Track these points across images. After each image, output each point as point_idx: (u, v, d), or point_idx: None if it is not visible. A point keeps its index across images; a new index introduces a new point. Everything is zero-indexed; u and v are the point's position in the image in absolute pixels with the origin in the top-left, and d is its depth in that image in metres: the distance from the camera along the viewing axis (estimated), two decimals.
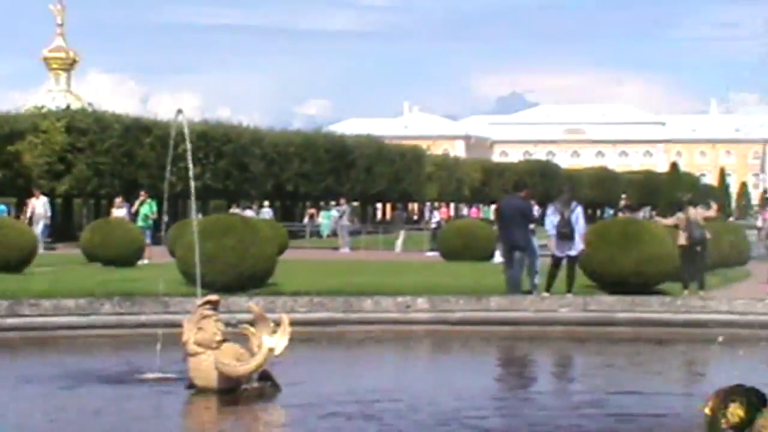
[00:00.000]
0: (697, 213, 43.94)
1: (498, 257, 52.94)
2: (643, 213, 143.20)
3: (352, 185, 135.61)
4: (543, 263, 41.35)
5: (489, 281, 42.08)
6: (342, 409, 20.15)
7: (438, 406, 20.89)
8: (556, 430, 19.30)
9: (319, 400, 21.15)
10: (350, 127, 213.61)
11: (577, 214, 41.61)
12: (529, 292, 38.68)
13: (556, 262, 40.28)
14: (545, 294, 38.09)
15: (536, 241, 41.57)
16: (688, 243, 42.44)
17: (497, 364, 29.80)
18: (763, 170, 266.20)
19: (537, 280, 40.53)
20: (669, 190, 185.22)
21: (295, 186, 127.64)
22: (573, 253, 39.97)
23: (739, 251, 57.58)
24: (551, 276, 40.17)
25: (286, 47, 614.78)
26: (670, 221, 45.32)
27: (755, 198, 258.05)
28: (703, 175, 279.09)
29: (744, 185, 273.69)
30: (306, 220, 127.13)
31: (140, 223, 67.91)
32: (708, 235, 43.40)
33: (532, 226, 40.80)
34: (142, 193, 72.67)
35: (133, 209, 71.74)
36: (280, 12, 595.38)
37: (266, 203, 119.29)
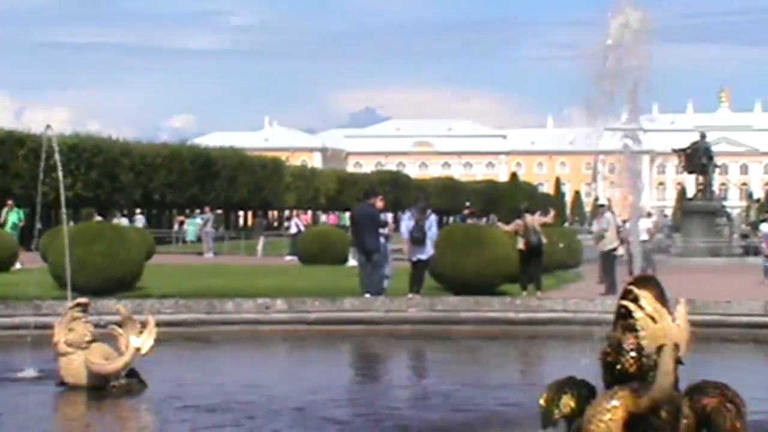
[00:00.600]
0: (534, 220, 44.98)
1: (352, 261, 53.19)
2: (489, 219, 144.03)
3: (216, 194, 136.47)
4: (399, 267, 41.65)
5: (344, 283, 43.12)
6: (203, 402, 20.34)
7: (293, 399, 20.95)
8: (401, 421, 19.23)
9: (182, 394, 21.35)
10: (214, 140, 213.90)
11: (431, 222, 42.13)
12: (380, 294, 38.39)
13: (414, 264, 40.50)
14: (410, 295, 38.19)
15: (390, 246, 41.69)
16: (526, 247, 43.19)
17: (350, 361, 30.21)
18: (594, 179, 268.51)
19: (386, 283, 40.56)
20: (509, 198, 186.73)
21: (162, 195, 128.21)
22: (423, 257, 40.30)
23: (573, 255, 58.12)
24: (412, 277, 40.56)
25: (154, 65, 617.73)
26: (510, 227, 45.92)
27: (588, 205, 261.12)
28: (541, 184, 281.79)
29: (577, 194, 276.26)
30: (176, 227, 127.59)
31: (9, 230, 66.94)
32: (544, 240, 44.07)
33: (386, 231, 40.88)
34: (9, 201, 72.21)
35: (1, 218, 70.95)
36: (148, 32, 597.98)
37: (138, 211, 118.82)
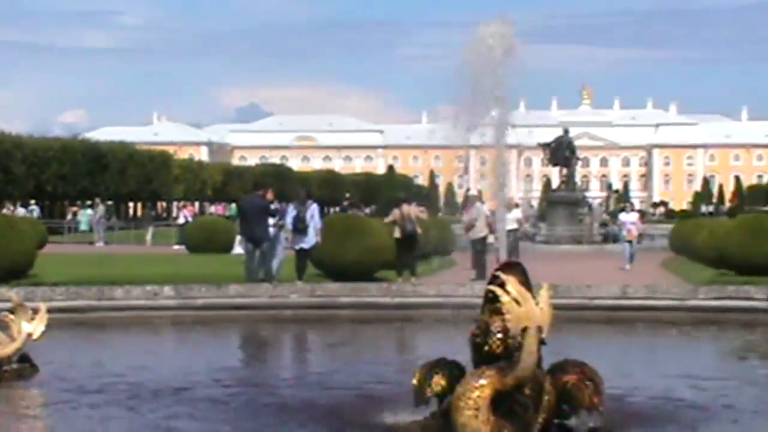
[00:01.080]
0: (410, 210, 44.86)
1: (238, 249, 53.13)
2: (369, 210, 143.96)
3: (107, 186, 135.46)
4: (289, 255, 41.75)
5: (229, 271, 42.60)
6: (91, 383, 20.31)
7: (177, 380, 20.86)
8: (279, 399, 19.20)
9: (71, 376, 21.22)
10: (105, 134, 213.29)
11: (313, 211, 42.14)
12: (264, 281, 38.38)
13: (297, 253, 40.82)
14: (299, 282, 38.34)
15: (283, 235, 41.83)
16: (402, 236, 43.17)
17: (234, 345, 30.01)
18: (466, 172, 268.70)
19: (276, 271, 40.61)
20: (387, 189, 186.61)
21: (54, 187, 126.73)
22: (306, 246, 40.40)
23: (446, 243, 58.21)
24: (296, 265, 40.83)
25: (47, 62, 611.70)
26: (388, 218, 46.01)
27: (459, 196, 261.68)
28: (416, 176, 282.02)
29: (450, 185, 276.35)
30: (69, 216, 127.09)
31: None
32: (419, 230, 44.11)
33: (278, 221, 41.01)
34: None
35: None
36: (41, 30, 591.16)
37: (32, 202, 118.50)
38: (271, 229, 41.03)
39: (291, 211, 41.59)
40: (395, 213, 45.85)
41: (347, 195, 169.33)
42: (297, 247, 40.80)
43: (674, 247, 59.38)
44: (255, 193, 45.30)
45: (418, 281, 40.30)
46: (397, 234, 44.40)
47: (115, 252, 70.15)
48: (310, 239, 41.20)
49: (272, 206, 42.25)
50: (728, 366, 25.27)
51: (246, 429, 16.66)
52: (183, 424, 17.78)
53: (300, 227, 40.83)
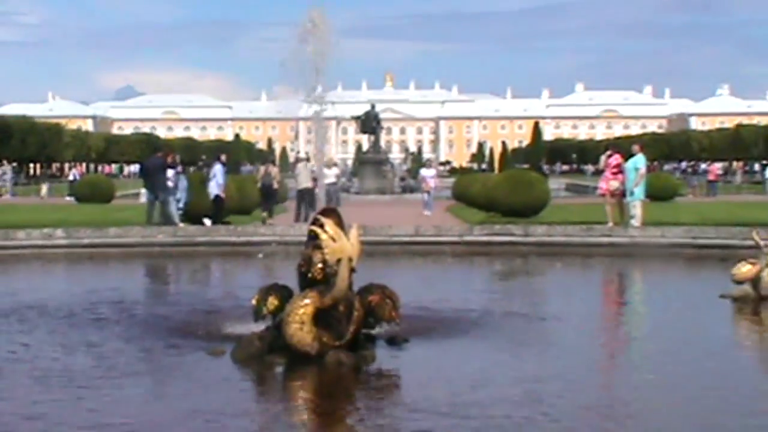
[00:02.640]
0: (271, 168, 46.66)
1: (143, 199, 53.23)
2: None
3: (13, 151, 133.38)
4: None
5: (110, 217, 43.70)
6: None
7: (69, 303, 20.48)
8: (142, 314, 19.21)
9: None
10: (10, 110, 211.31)
11: (215, 171, 43.27)
12: (165, 224, 38.49)
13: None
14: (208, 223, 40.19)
15: (184, 183, 42.82)
16: (262, 187, 44.43)
17: (112, 275, 29.82)
18: (297, 138, 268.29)
19: (172, 216, 40.03)
20: (234, 153, 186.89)
21: None
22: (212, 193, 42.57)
23: (282, 193, 58.49)
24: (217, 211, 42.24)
25: None
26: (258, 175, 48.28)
27: (291, 158, 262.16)
28: (258, 143, 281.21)
29: (284, 149, 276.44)
30: None
31: None
32: (275, 184, 45.01)
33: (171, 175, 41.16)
34: None
35: None
36: None
37: None
38: (170, 183, 40.94)
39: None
40: (260, 169, 49.98)
41: (203, 157, 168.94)
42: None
43: (456, 196, 59.78)
44: (155, 155, 46.60)
45: (271, 221, 41.22)
46: (258, 185, 46.54)
47: (18, 203, 69.88)
48: (212, 190, 42.29)
49: (171, 164, 42.60)
50: (495, 283, 25.75)
51: (118, 337, 16.55)
52: (63, 330, 17.64)
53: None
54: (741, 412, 12.28)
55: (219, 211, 42.26)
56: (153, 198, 41.18)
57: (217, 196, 42.58)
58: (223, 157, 46.36)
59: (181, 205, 41.74)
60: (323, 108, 17.75)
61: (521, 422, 11.28)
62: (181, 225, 38.34)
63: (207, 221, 41.06)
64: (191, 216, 41.29)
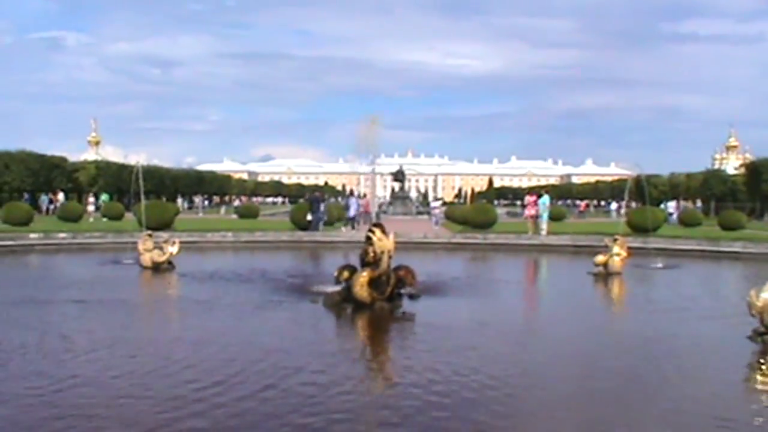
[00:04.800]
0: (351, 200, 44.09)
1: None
2: None
3: (204, 190, 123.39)
4: None
5: (259, 226, 39.34)
6: None
7: (232, 272, 20.15)
8: (276, 281, 18.47)
9: None
10: (204, 167, 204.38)
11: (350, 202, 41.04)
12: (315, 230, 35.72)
13: None
14: None
15: None
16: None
17: (263, 259, 27.48)
18: (358, 184, 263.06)
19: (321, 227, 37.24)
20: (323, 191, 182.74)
21: None
22: None
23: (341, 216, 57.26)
24: None
25: None
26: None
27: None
28: (336, 186, 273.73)
29: (351, 190, 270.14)
30: None
31: None
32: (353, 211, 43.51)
33: None
34: None
35: None
36: None
37: None
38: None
39: None
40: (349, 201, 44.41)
41: (306, 194, 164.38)
42: None
43: (447, 217, 58.70)
44: (315, 193, 41.58)
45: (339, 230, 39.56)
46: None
47: (208, 218, 65.58)
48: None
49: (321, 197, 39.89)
50: (467, 266, 25.66)
51: (261, 290, 16.50)
52: (233, 285, 17.41)
53: None
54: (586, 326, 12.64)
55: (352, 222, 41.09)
56: (313, 215, 37.53)
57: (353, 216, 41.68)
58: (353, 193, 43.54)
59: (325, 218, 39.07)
60: (374, 167, 17.96)
61: (477, 328, 11.70)
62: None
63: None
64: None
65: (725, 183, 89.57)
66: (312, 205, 39.50)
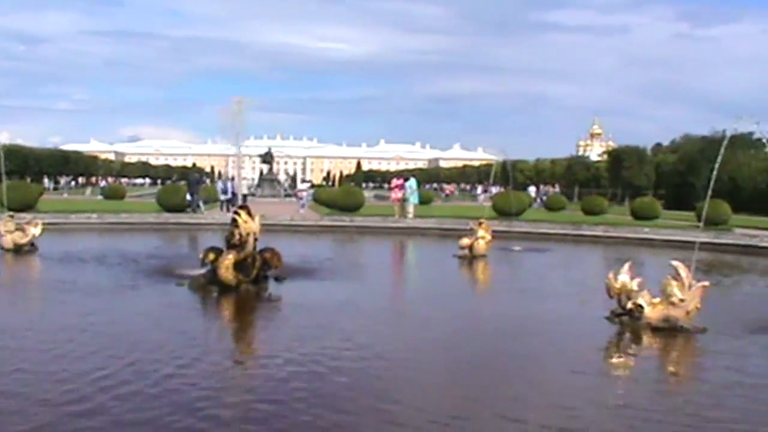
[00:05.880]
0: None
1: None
2: None
3: (70, 171, 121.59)
4: None
5: (125, 207, 39.24)
6: None
7: (98, 253, 19.56)
8: (139, 263, 18.07)
9: None
10: (70, 147, 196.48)
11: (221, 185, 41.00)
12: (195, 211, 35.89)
13: None
14: None
15: None
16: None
17: (127, 241, 26.80)
18: (226, 165, 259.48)
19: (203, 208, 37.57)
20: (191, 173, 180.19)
21: None
22: None
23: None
24: None
25: None
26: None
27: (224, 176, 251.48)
28: (205, 168, 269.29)
29: (220, 172, 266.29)
30: None
31: None
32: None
33: None
34: None
35: None
36: None
37: None
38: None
39: None
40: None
41: (175, 175, 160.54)
42: None
43: (315, 199, 58.60)
44: (194, 173, 42.48)
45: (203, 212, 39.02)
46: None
47: (72, 199, 64.08)
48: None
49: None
50: (334, 248, 25.72)
51: (124, 272, 16.07)
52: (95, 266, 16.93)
53: None
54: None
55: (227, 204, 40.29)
56: (192, 196, 38.30)
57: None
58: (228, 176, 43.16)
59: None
60: (240, 149, 17.65)
61: (343, 310, 11.61)
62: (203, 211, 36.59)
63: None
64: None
65: (588, 169, 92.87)
66: (191, 186, 39.13)
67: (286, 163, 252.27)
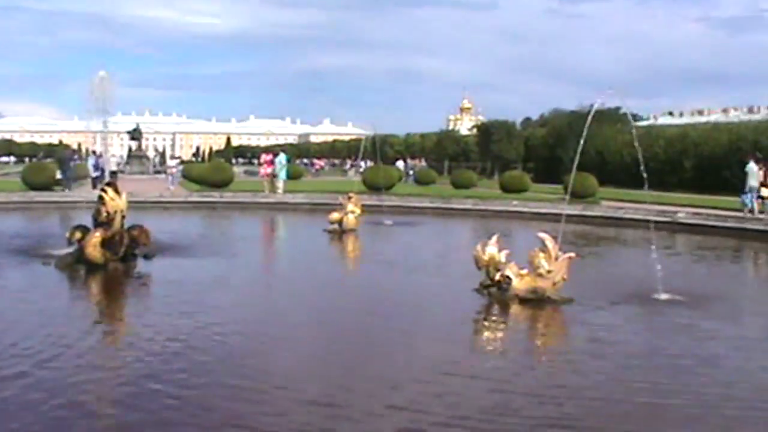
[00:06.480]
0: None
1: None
2: None
3: None
4: None
5: None
6: None
7: None
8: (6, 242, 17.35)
9: None
10: None
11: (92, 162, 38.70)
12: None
13: None
14: None
15: None
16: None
17: None
18: (95, 143, 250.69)
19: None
20: (60, 150, 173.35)
21: None
22: None
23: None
24: None
25: None
26: None
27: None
28: (73, 145, 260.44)
29: (87, 149, 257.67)
30: None
31: None
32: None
33: None
34: None
35: None
36: None
37: None
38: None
39: None
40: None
41: (41, 153, 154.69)
42: None
43: (184, 176, 57.10)
44: (66, 151, 41.81)
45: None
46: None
47: None
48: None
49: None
50: (204, 224, 25.28)
51: None
52: None
53: None
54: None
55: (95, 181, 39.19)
56: (63, 174, 37.12)
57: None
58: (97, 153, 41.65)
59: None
60: (106, 125, 17.14)
61: (213, 286, 11.43)
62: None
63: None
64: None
65: (458, 143, 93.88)
66: (62, 163, 38.31)
67: (155, 139, 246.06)
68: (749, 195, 28.57)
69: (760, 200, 28.41)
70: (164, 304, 10.97)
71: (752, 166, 28.76)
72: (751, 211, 27.92)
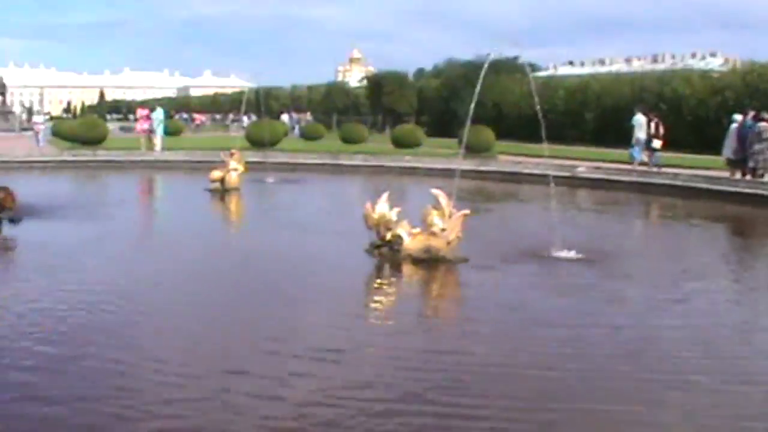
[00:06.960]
0: None
1: None
2: None
3: None
4: None
5: None
6: None
7: None
8: None
9: None
10: None
11: None
12: None
13: None
14: None
15: None
16: None
17: None
18: None
19: None
20: None
21: None
22: None
23: None
24: None
25: None
26: None
27: None
28: None
29: None
30: None
31: None
32: None
33: None
34: None
35: None
36: None
37: None
38: None
39: None
40: None
41: None
42: None
43: (54, 133, 54.55)
44: None
45: None
46: None
47: None
48: None
49: None
50: (77, 184, 23.95)
51: None
52: None
53: None
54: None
55: None
56: None
57: None
58: None
59: None
60: None
61: (85, 250, 10.77)
62: None
63: None
64: None
65: (348, 96, 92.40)
66: None
67: (21, 93, 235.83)
68: (636, 148, 28.81)
69: (651, 152, 28.35)
70: (26, 267, 10.54)
71: (638, 118, 28.93)
72: (641, 164, 28.21)
